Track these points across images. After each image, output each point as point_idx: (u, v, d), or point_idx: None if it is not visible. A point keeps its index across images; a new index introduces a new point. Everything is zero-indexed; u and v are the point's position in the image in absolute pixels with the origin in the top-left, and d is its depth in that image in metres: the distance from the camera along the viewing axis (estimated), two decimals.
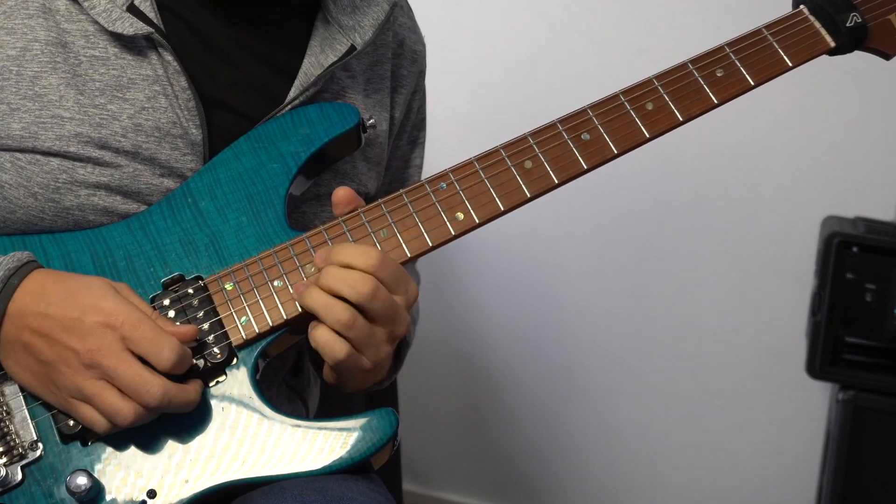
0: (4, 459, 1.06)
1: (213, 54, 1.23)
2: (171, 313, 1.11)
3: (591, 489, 2.55)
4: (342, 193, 1.16)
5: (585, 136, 1.20)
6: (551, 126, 1.21)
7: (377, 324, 1.09)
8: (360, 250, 1.10)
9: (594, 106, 1.21)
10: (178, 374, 1.05)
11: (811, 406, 2.29)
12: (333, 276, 1.08)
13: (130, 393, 1.01)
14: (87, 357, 1.01)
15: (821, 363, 2.02)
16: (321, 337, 1.08)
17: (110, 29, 1.16)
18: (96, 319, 1.02)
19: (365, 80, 1.32)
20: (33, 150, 1.14)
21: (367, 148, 1.31)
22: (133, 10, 1.17)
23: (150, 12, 1.18)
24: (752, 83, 1.23)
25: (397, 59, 1.38)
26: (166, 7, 1.21)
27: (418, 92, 1.43)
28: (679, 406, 2.42)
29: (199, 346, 1.10)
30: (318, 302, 1.08)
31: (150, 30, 1.16)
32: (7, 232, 1.17)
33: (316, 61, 1.24)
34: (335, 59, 1.25)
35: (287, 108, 1.22)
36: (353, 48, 1.26)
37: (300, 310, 1.12)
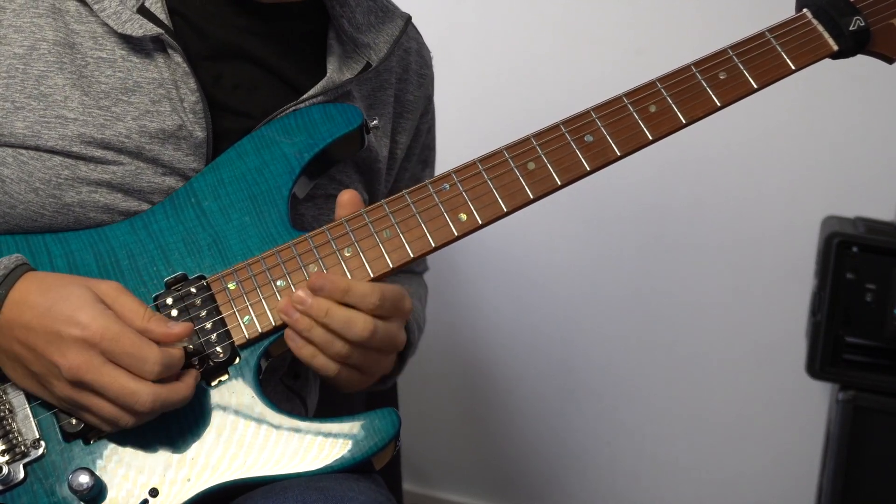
0: (7, 457, 1.06)
1: (220, 59, 1.23)
2: (174, 312, 1.12)
3: (592, 489, 2.55)
4: (347, 196, 1.16)
5: (589, 138, 1.20)
6: (554, 128, 1.20)
7: (375, 351, 1.12)
8: (362, 292, 1.09)
9: (597, 108, 1.21)
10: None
11: (811, 406, 2.30)
12: (335, 319, 1.08)
13: (120, 405, 1.02)
14: (70, 374, 1.01)
15: (821, 363, 2.02)
16: (318, 362, 1.11)
17: (119, 31, 1.16)
18: (74, 334, 1.01)
19: (367, 106, 1.32)
20: (36, 148, 1.14)
21: (366, 167, 1.32)
22: (143, 11, 1.18)
23: (161, 14, 1.19)
24: (755, 86, 1.23)
25: (402, 84, 1.38)
26: (176, 11, 1.22)
27: (427, 114, 1.43)
28: (679, 406, 2.43)
29: (201, 345, 1.10)
30: (319, 338, 1.09)
31: (160, 31, 1.16)
32: (7, 228, 1.17)
33: (337, 78, 1.25)
34: (351, 76, 1.26)
35: (290, 110, 1.23)
36: (368, 65, 1.27)
37: None
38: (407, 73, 1.39)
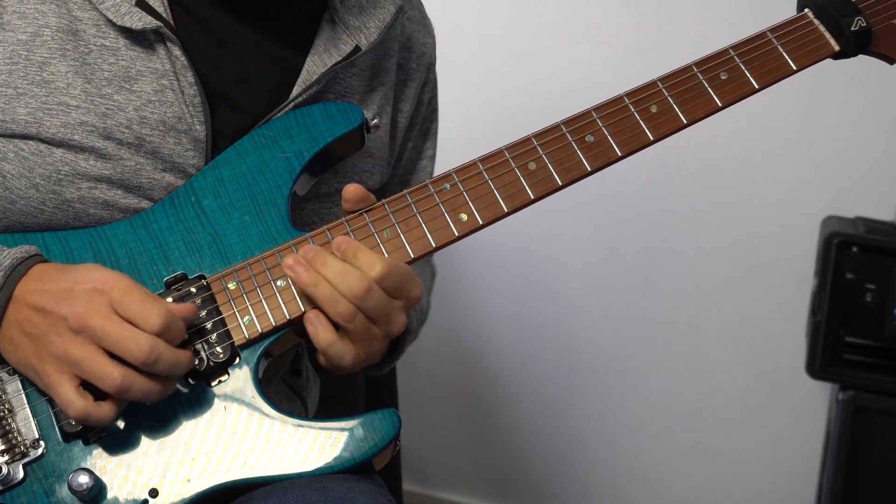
0: (6, 457, 1.06)
1: (221, 50, 1.22)
2: None
3: (592, 489, 2.56)
4: (352, 190, 1.16)
5: (590, 139, 1.20)
6: (555, 128, 1.20)
7: (373, 322, 1.10)
8: (369, 259, 1.10)
9: (598, 108, 1.21)
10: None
11: (811, 406, 2.30)
12: (333, 270, 1.09)
13: (118, 349, 1.00)
14: (75, 321, 1.00)
15: (821, 363, 2.02)
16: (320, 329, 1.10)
17: (119, 23, 1.16)
18: (86, 286, 1.02)
19: (370, 75, 1.32)
20: (37, 137, 1.14)
21: (369, 143, 1.31)
22: (142, 4, 1.17)
23: (160, 6, 1.18)
24: (757, 87, 1.23)
25: (405, 52, 1.38)
26: (176, 1, 1.21)
27: (428, 83, 1.43)
28: (679, 406, 2.43)
29: (201, 345, 1.10)
30: (324, 294, 1.08)
31: (159, 24, 1.16)
32: (6, 224, 1.17)
33: (319, 60, 1.24)
34: (339, 58, 1.25)
35: (289, 107, 1.22)
36: (357, 49, 1.26)
37: (303, 308, 1.12)
38: (410, 41, 1.38)
